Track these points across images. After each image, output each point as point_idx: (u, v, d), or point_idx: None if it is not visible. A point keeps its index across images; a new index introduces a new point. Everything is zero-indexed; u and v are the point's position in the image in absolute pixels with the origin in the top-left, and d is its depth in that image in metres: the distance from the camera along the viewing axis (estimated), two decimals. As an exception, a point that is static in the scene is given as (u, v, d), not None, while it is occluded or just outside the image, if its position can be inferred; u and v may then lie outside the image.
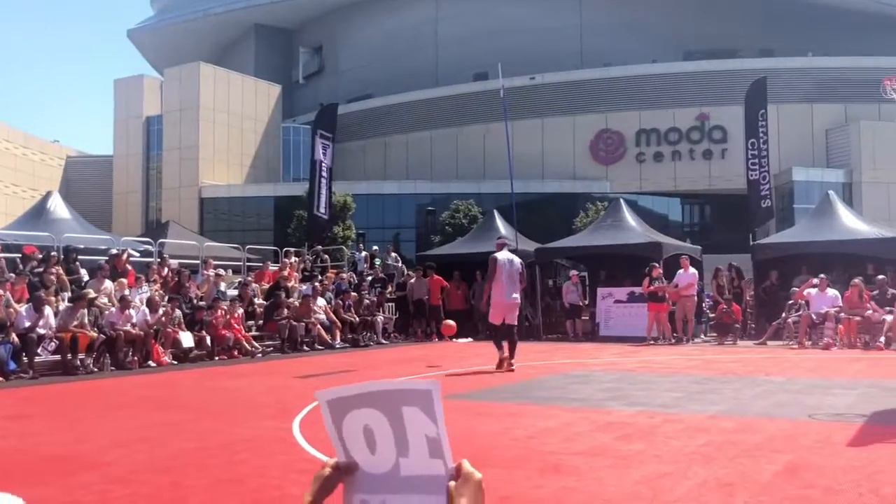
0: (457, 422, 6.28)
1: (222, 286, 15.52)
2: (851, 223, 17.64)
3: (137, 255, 16.72)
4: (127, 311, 12.16)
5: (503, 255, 10.97)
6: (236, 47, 66.35)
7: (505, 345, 10.67)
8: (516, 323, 11.02)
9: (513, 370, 10.42)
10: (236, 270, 19.56)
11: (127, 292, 12.89)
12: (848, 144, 43.95)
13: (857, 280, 14.67)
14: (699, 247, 20.69)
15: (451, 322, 12.77)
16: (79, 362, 11.07)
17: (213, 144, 48.18)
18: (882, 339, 13.73)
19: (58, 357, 11.11)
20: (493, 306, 10.82)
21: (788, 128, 43.18)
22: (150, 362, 12.07)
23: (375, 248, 23.39)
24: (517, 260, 11.16)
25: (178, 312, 13.19)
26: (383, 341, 17.30)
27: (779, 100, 37.90)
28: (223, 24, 64.99)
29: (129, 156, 50.60)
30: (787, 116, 42.95)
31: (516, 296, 10.85)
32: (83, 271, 14.00)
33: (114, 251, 15.09)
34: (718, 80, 45.18)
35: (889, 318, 13.82)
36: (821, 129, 45.51)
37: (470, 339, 17.96)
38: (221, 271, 16.43)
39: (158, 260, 16.09)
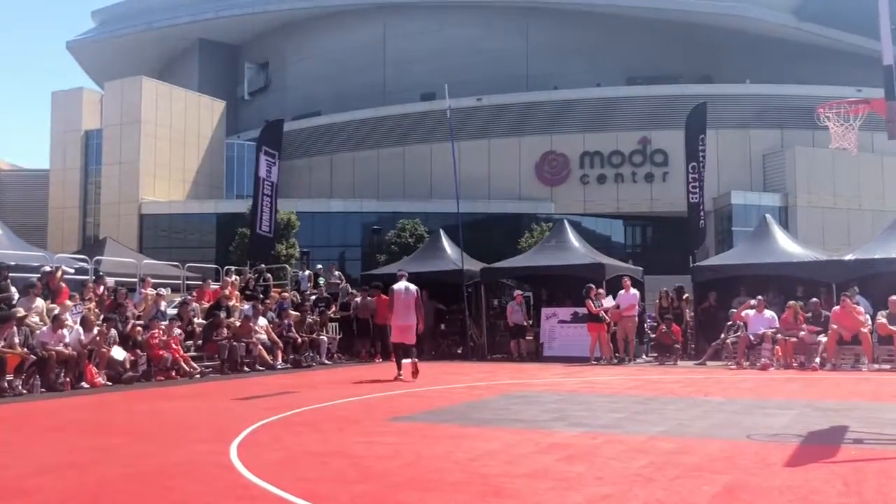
0: (400, 445, 6.20)
1: (162, 305, 15.14)
2: (787, 246, 18.11)
3: (72, 272, 16.20)
4: (60, 331, 11.75)
5: (399, 286, 12.93)
6: (180, 62, 65.53)
7: (405, 362, 12.69)
8: (413, 342, 12.96)
9: (415, 378, 12.29)
10: (175, 289, 19.12)
11: (65, 314, 12.45)
12: (784, 169, 45.39)
13: (792, 302, 15.03)
14: (641, 268, 21.04)
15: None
16: (6, 384, 10.62)
17: (154, 160, 47.34)
18: (817, 359, 14.09)
19: (-16, 378, 10.64)
20: (393, 329, 13.05)
21: (727, 152, 44.44)
22: (84, 384, 11.67)
23: (319, 267, 23.14)
24: (413, 288, 13.03)
25: (113, 332, 12.81)
26: (326, 362, 17.07)
27: (718, 125, 38.96)
28: (166, 38, 64.13)
29: (67, 170, 49.38)
30: (725, 141, 44.19)
31: (411, 319, 12.81)
32: (13, 289, 13.48)
33: (47, 268, 14.58)
34: (660, 105, 46.24)
35: (823, 339, 14.20)
36: (758, 154, 46.91)
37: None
38: (163, 291, 16.03)
39: (94, 278, 15.62)
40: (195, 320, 15.50)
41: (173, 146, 48.53)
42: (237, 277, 19.14)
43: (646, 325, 19.10)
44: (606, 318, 16.56)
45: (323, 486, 4.67)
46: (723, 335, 16.04)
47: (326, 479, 4.94)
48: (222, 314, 15.29)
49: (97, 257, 17.65)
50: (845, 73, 48.43)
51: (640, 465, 5.22)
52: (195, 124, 50.46)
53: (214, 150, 51.77)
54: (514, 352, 18.29)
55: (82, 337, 12.07)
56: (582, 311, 17.28)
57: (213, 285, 18.16)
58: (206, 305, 16.48)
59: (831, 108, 7.92)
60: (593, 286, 16.71)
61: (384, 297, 18.16)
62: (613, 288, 17.36)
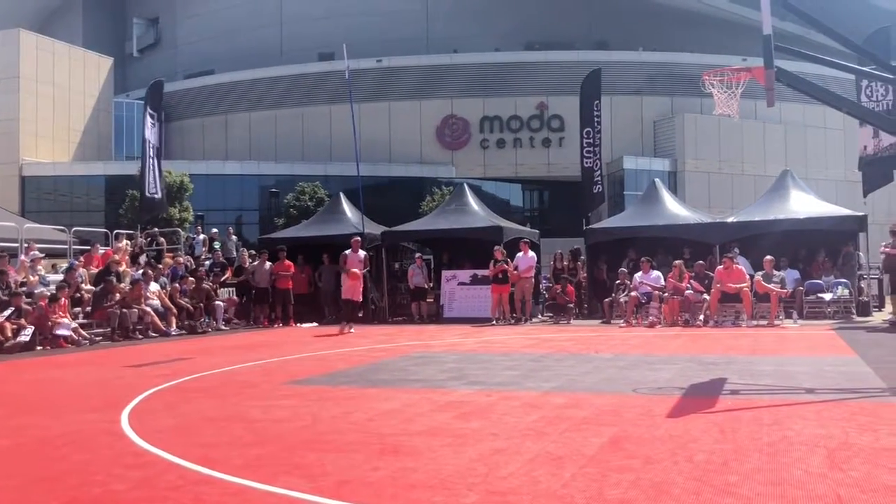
0: (297, 407, 6.19)
1: (40, 269, 14.44)
2: (675, 209, 18.86)
3: (-55, 236, 15.25)
4: (-68, 299, 11.08)
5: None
6: (62, 15, 61.79)
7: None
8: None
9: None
10: (62, 254, 18.26)
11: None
12: (673, 135, 47.03)
13: (676, 263, 15.67)
14: (538, 231, 21.50)
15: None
16: None
17: (35, 119, 44.75)
18: (701, 317, 14.83)
19: None
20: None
21: (620, 118, 45.61)
22: (-39, 354, 11.09)
23: (215, 230, 22.52)
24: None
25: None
26: (223, 328, 16.75)
27: (612, 91, 39.86)
28: (46, -11, 60.28)
29: (-64, 128, 46.09)
30: (619, 107, 45.31)
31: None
32: None
33: (-84, 233, 13.69)
34: (557, 71, 46.89)
35: (707, 297, 14.93)
36: (649, 121, 48.39)
37: (315, 324, 17.76)
38: (36, 254, 15.23)
39: (-30, 243, 14.75)
40: (83, 287, 14.90)
41: (56, 105, 45.95)
42: (128, 242, 18.47)
43: (541, 286, 19.57)
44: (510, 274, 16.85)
45: (218, 451, 4.62)
46: (613, 294, 16.64)
47: (222, 443, 4.89)
48: (113, 280, 14.74)
49: (-27, 221, 16.64)
50: (735, 43, 50.25)
51: (533, 420, 5.40)
52: (80, 82, 47.85)
53: (101, 109, 49.32)
54: (415, 314, 18.46)
55: (-42, 305, 11.43)
56: (482, 272, 17.56)
57: (102, 250, 17.47)
58: (95, 271, 15.85)
59: (716, 76, 8.25)
60: (499, 247, 16.93)
61: (287, 262, 17.97)
62: (511, 251, 17.68)
